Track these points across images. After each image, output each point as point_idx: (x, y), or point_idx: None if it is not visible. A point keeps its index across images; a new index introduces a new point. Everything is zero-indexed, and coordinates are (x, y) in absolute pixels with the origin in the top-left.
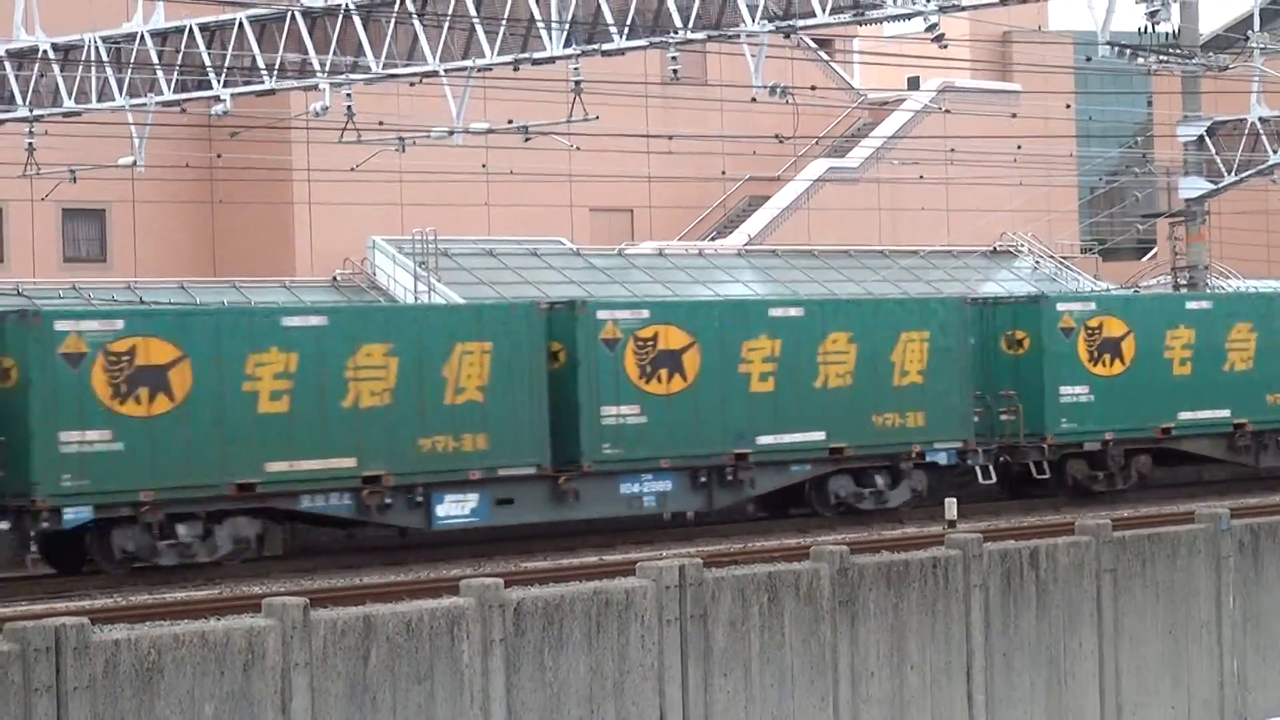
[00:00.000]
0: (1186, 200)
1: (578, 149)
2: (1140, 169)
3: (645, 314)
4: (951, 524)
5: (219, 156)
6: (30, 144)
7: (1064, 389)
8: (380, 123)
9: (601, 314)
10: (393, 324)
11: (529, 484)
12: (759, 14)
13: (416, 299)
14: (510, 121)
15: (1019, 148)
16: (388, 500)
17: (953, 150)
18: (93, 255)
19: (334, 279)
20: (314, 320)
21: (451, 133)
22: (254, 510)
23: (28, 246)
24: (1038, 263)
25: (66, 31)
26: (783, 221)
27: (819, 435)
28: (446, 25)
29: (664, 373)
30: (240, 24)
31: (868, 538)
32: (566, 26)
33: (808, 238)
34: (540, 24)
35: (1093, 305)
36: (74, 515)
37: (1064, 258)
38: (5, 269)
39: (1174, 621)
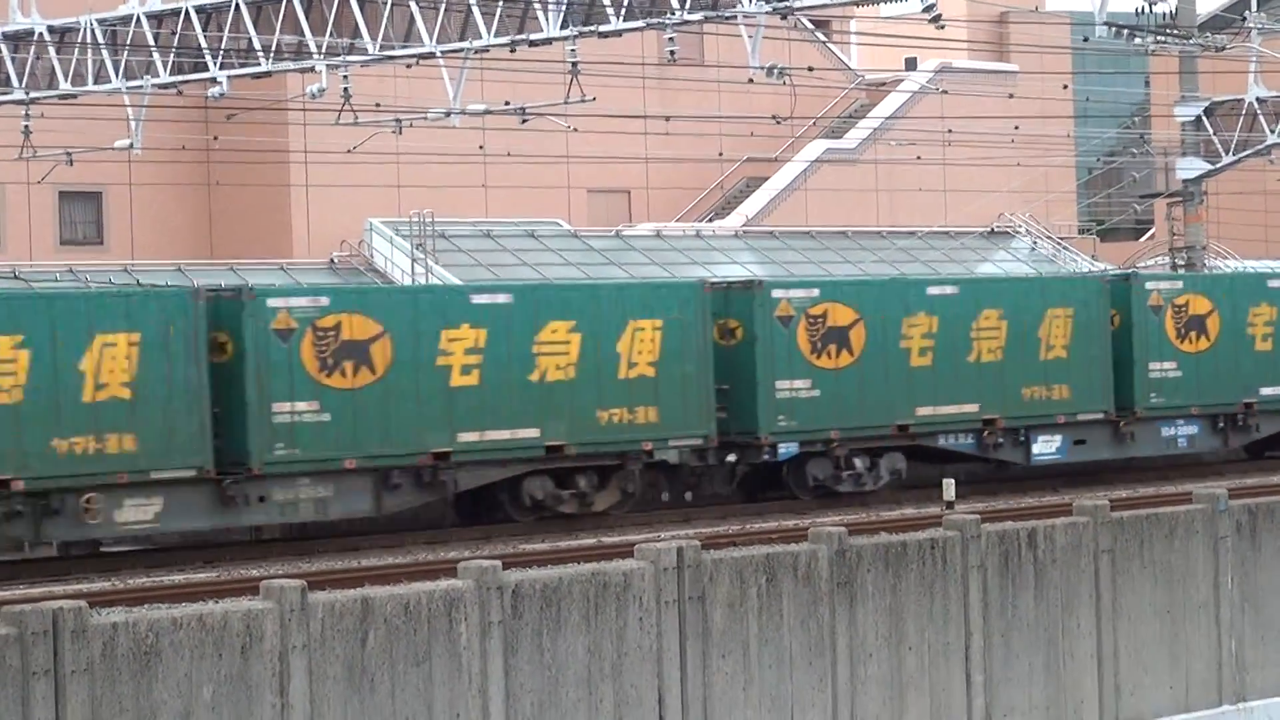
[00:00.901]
0: (1184, 180)
1: (575, 130)
2: (1138, 149)
3: (1179, 285)
4: (950, 505)
5: (216, 139)
6: (26, 126)
7: None
8: (377, 104)
9: (1150, 284)
10: (1003, 293)
11: (1098, 427)
12: None
13: (414, 281)
14: (507, 103)
15: (1016, 128)
16: (1000, 440)
17: (950, 131)
18: (89, 238)
19: (331, 261)
20: (949, 290)
21: (448, 114)
22: (904, 447)
23: (24, 229)
24: (1035, 243)
25: (62, 14)
26: (780, 202)
27: None
28: (443, 7)
29: (1194, 334)
30: (236, 6)
31: (865, 519)
32: (563, 7)
33: (805, 219)
34: (537, 5)
35: None
36: (785, 450)
37: (1062, 238)
38: (2, 251)
39: (1172, 602)
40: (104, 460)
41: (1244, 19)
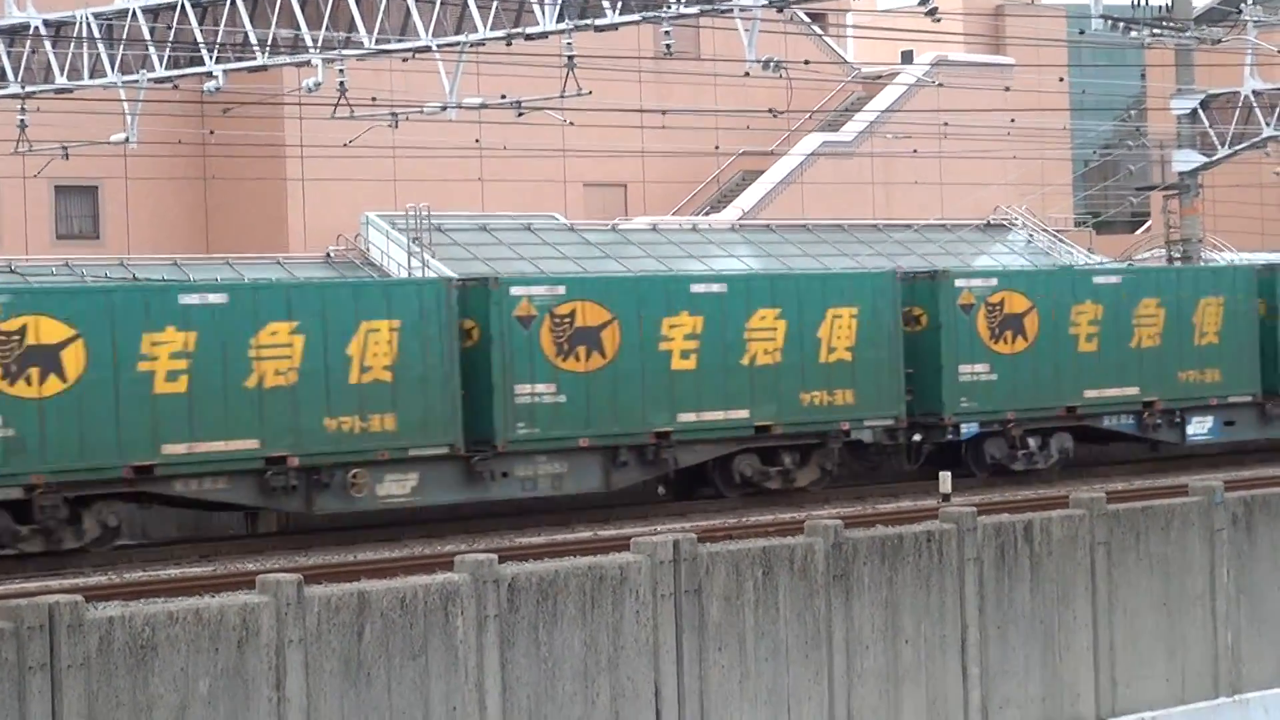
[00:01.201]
0: (1180, 173)
1: (571, 124)
2: (1134, 142)
3: None
4: (946, 498)
5: (212, 133)
6: (22, 121)
7: None
8: (373, 98)
9: None
10: (1162, 282)
11: (1246, 409)
12: None
13: (410, 275)
14: (503, 96)
15: (1012, 121)
16: (1158, 421)
17: (946, 124)
18: (85, 232)
19: (327, 255)
20: (1113, 279)
21: (444, 108)
22: (1070, 428)
23: (20, 223)
24: (1031, 236)
25: (58, 8)
26: (776, 196)
27: None
28: (439, 0)
29: None
30: (232, 0)
31: (862, 512)
32: (559, 1)
33: (801, 212)
34: None
35: None
36: (967, 429)
37: (1058, 231)
38: None
39: (1168, 594)
40: (368, 438)
41: (1240, 11)
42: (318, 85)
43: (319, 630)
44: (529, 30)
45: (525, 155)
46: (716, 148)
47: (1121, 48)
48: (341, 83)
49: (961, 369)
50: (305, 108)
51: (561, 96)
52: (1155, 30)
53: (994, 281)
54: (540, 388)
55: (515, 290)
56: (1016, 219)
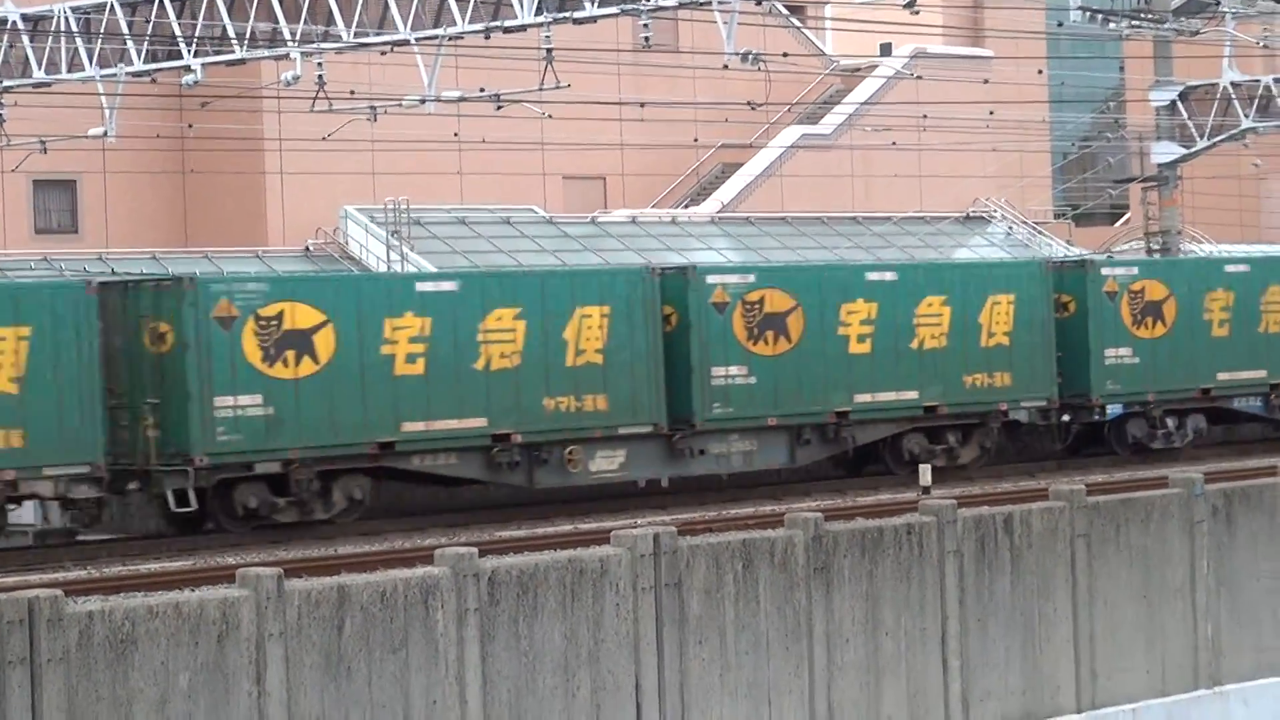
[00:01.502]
0: (1159, 165)
1: (550, 117)
2: (1113, 134)
3: None
4: (926, 490)
5: (190, 126)
6: (0, 115)
7: None
8: (352, 92)
9: None
10: None
11: None
12: None
13: (389, 268)
14: (482, 90)
15: (991, 113)
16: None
17: (925, 116)
18: (64, 226)
19: (306, 248)
20: (1242, 268)
21: (423, 101)
22: (1204, 408)
23: None
24: (1011, 228)
25: (36, 2)
26: (756, 188)
27: None
28: None
29: None
30: None
31: (842, 504)
32: None
33: (781, 205)
34: None
35: None
36: (1112, 410)
37: (1037, 223)
38: None
39: (1148, 586)
40: (583, 417)
41: (1218, 3)
42: (296, 79)
43: (299, 624)
44: (507, 23)
45: (504, 148)
46: (695, 140)
47: (1100, 40)
48: (320, 76)
49: (1107, 353)
50: (284, 101)
51: (540, 89)
52: (1134, 22)
53: (1135, 270)
54: (733, 370)
55: (710, 279)
56: (996, 211)
